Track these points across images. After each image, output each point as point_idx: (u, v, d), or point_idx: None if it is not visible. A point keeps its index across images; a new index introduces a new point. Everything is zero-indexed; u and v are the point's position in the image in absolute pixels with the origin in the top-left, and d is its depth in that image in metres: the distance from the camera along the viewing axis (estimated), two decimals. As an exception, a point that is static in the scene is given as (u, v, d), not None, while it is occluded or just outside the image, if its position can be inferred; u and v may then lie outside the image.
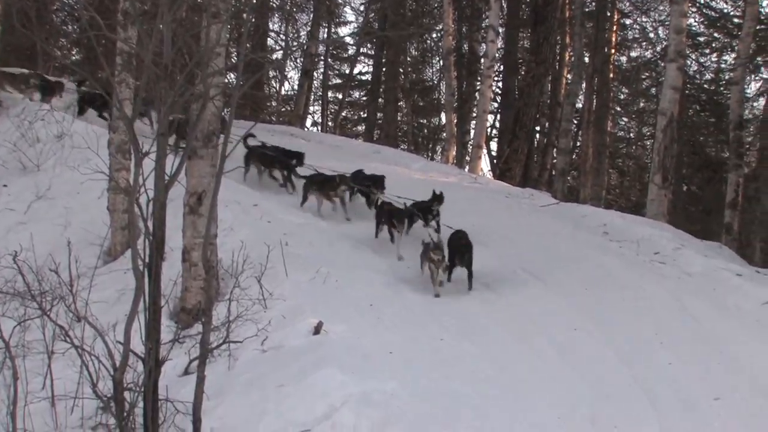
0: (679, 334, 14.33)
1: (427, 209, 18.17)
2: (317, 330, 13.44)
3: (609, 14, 35.26)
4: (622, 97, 40.20)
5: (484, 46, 32.01)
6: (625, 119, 41.60)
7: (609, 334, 14.12)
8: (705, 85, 36.72)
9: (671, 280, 17.37)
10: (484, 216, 19.92)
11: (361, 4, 41.67)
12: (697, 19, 34.16)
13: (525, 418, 11.41)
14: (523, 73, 35.75)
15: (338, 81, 45.51)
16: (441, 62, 39.83)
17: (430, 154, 42.06)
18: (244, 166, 20.60)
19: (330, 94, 45.59)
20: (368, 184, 18.58)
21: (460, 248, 15.57)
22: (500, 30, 31.98)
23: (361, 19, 42.73)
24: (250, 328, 13.08)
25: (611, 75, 34.35)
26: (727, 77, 33.29)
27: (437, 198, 18.16)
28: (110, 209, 17.81)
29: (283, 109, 44.49)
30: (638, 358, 13.50)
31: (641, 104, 39.46)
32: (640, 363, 13.36)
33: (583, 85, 33.72)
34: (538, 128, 37.63)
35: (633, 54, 39.06)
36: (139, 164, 11.15)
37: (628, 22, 38.48)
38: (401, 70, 41.27)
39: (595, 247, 19.59)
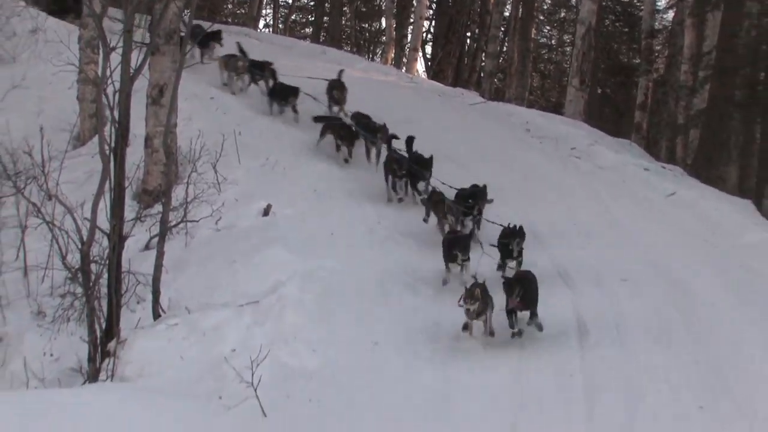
0: (592, 220, 14.97)
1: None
2: (266, 212, 13.82)
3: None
4: (546, 7, 41.28)
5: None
6: (548, 27, 42.79)
7: (529, 219, 14.13)
8: (620, -2, 38.25)
9: (586, 173, 18.05)
10: (418, 112, 19.96)
11: None
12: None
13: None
14: (456, -18, 36.95)
15: (288, -15, 45.76)
16: (382, -29, 39.88)
17: (371, 56, 42.52)
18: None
19: (281, -2, 46.34)
20: (470, 202, 13.94)
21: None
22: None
23: None
24: (206, 209, 13.40)
25: (536, -14, 35.08)
26: (640, -10, 34.61)
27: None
28: (80, 99, 17.86)
29: (238, 12, 44.90)
30: (555, 242, 13.94)
31: (563, 14, 40.86)
32: (555, 247, 13.80)
33: (511, -6, 34.80)
34: (468, 34, 38.48)
35: (556, -33, 40.23)
36: (106, 58, 11.23)
37: (553, -65, 39.58)
38: (346, -23, 41.63)
39: (518, 141, 20.11)
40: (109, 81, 11.67)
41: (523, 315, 10.17)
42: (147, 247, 13.20)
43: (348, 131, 16.64)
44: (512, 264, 11.70)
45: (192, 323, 11.35)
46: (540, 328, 9.95)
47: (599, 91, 35.91)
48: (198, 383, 10.42)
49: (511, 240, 11.70)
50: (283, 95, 18.40)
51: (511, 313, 9.81)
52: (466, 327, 10.11)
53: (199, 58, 19.96)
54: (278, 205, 14.38)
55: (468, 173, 15.73)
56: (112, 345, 11.03)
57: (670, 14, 32.01)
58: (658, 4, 33.27)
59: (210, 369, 10.67)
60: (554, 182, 17.06)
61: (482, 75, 35.91)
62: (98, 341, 11.12)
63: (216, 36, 19.95)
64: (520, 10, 35.36)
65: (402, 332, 11.22)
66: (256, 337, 10.99)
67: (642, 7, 30.96)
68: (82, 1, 18.25)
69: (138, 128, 14.26)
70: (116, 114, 11.37)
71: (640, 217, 15.90)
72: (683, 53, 24.38)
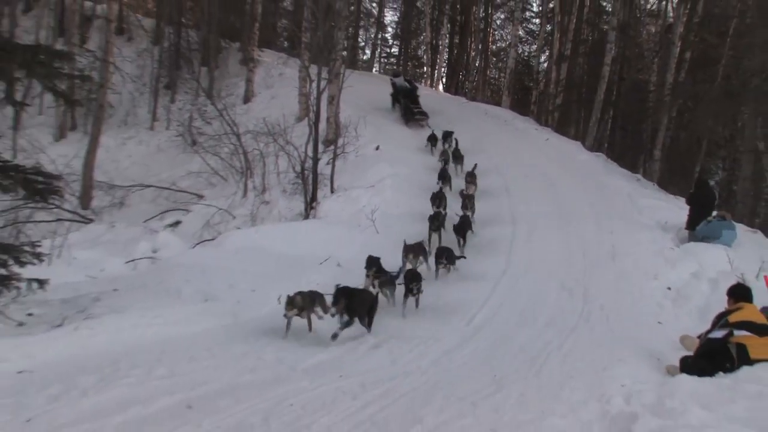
0: (507, 155, 21.84)
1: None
2: (377, 148, 20.02)
3: None
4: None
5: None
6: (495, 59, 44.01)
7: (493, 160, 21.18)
8: None
9: (514, 133, 25.98)
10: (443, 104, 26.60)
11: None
12: None
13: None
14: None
15: None
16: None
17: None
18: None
19: None
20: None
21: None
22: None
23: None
24: (351, 147, 19.69)
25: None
26: None
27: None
28: (299, 102, 25.09)
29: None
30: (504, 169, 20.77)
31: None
32: (505, 171, 20.54)
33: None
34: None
35: None
36: (310, 84, 18.91)
37: None
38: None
39: (483, 117, 28.04)
40: (312, 93, 17.96)
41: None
42: (327, 163, 18.49)
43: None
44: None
45: (346, 194, 17.28)
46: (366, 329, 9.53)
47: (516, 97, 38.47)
48: (349, 220, 15.84)
49: (413, 282, 11.05)
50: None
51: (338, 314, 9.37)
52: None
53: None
54: (383, 145, 20.49)
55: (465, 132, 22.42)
56: (314, 204, 16.87)
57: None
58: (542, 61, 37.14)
59: (354, 214, 16.19)
60: (497, 137, 24.15)
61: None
62: (308, 202, 17.00)
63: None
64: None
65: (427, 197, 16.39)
66: (373, 200, 16.52)
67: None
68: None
69: (323, 114, 19.49)
70: (314, 107, 17.84)
71: (530, 150, 22.75)
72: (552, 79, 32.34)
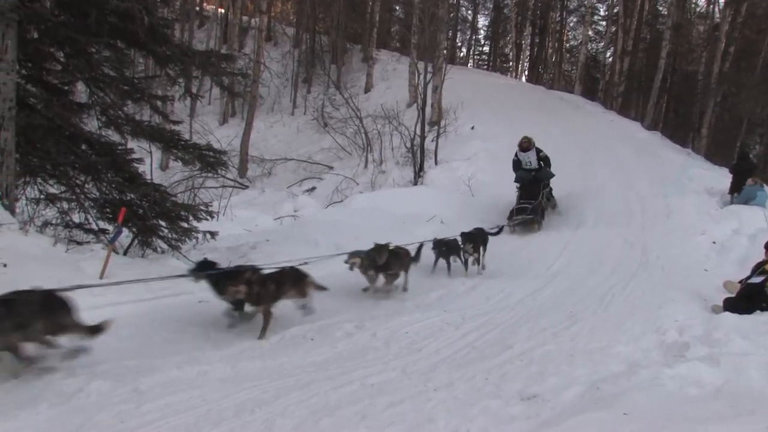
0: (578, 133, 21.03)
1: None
2: (473, 128, 19.93)
3: None
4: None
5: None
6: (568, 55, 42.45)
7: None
8: None
9: (584, 116, 25.89)
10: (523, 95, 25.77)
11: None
12: None
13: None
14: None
15: None
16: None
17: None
18: None
19: None
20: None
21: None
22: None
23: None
24: (452, 126, 19.73)
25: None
26: None
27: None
28: (409, 90, 24.93)
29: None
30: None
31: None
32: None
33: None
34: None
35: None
36: (418, 76, 18.71)
37: None
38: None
39: (559, 102, 27.59)
40: (419, 84, 18.46)
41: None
42: (432, 140, 18.61)
43: None
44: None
45: (447, 165, 17.41)
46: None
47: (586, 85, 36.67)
48: (449, 185, 16.10)
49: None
50: None
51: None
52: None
53: None
54: (478, 125, 20.44)
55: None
56: (421, 173, 17.31)
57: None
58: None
59: (454, 181, 16.13)
60: (570, 118, 23.39)
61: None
62: (416, 172, 17.48)
63: None
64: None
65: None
66: (469, 170, 16.78)
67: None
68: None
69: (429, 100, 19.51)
70: (421, 95, 18.03)
71: (598, 128, 22.02)
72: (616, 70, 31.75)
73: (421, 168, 17.38)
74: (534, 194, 13.51)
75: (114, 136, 9.46)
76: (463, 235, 10.00)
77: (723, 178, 15.62)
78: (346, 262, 7.91)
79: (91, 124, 9.37)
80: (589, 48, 37.17)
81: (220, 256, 9.16)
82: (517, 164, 14.24)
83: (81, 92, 10.55)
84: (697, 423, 4.03)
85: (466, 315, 7.30)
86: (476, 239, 10.12)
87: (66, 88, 9.35)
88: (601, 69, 36.90)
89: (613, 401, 4.57)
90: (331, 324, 6.74)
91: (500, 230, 11.70)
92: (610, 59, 35.24)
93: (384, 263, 8.03)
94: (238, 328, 6.44)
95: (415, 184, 16.90)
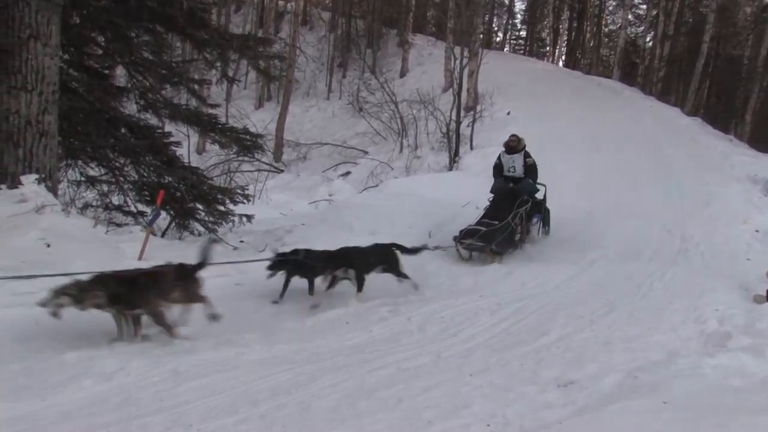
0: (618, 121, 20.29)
1: None
2: (509, 113, 19.70)
3: None
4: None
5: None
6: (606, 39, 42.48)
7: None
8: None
9: (626, 102, 24.71)
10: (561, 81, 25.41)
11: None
12: None
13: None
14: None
15: None
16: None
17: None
18: None
19: None
20: None
21: None
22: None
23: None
24: (487, 112, 19.35)
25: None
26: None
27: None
28: (445, 76, 24.95)
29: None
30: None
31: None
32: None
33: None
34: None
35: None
36: (454, 60, 18.61)
37: None
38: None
39: (596, 87, 26.89)
40: (455, 69, 18.28)
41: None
42: (467, 125, 18.03)
43: None
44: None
45: (483, 151, 16.39)
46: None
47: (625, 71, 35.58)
48: (485, 171, 13.29)
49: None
50: None
51: None
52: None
53: None
54: (513, 110, 20.09)
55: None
56: (456, 159, 17.00)
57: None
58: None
59: (489, 167, 13.46)
60: (608, 103, 22.89)
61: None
62: (451, 157, 17.15)
63: None
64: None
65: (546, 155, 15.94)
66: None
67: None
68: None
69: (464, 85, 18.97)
70: (457, 80, 17.86)
71: (637, 114, 21.38)
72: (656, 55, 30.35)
73: (457, 153, 17.25)
74: (502, 213, 10.28)
75: (152, 120, 9.61)
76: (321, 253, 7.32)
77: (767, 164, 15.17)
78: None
79: (131, 107, 9.52)
80: (629, 32, 36.36)
81: (256, 239, 9.32)
82: (498, 169, 11.33)
83: (120, 76, 10.73)
84: (740, 413, 3.95)
85: (501, 301, 7.24)
86: (351, 260, 7.17)
87: (106, 72, 9.52)
88: (641, 54, 35.72)
89: (652, 390, 4.51)
90: (366, 308, 6.78)
91: (419, 251, 8.29)
92: (650, 44, 34.28)
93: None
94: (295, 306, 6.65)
95: (451, 169, 16.72)
